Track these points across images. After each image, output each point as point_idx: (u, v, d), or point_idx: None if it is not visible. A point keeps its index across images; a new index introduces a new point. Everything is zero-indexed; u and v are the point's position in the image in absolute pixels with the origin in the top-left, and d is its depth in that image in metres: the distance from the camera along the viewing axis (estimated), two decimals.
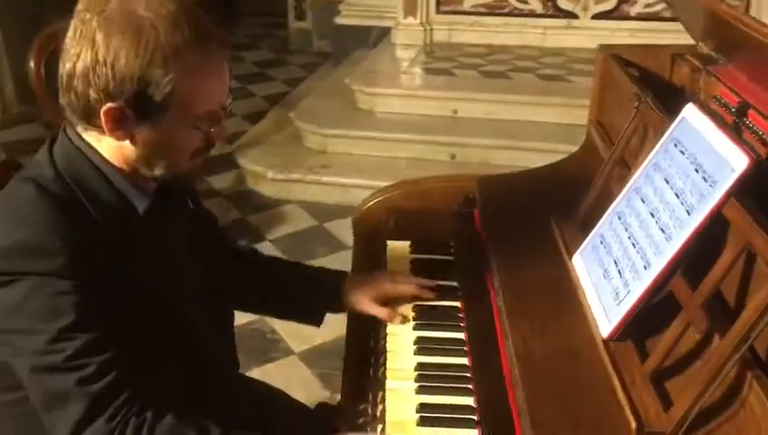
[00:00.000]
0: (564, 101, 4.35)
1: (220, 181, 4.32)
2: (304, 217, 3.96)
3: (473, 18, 5.23)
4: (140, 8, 1.10)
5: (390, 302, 1.52)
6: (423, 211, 1.86)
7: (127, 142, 1.16)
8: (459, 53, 5.07)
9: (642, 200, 1.27)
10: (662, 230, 1.17)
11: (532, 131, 4.24)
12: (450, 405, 1.27)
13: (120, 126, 1.13)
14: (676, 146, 1.24)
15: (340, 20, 5.85)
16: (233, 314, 1.51)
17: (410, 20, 5.23)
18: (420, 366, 1.35)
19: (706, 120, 1.21)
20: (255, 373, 2.62)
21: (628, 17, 5.04)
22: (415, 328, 1.46)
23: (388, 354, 1.40)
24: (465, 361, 1.37)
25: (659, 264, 1.14)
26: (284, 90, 5.75)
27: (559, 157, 4.16)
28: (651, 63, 1.75)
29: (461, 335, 1.44)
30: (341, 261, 3.62)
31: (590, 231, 1.44)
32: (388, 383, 1.32)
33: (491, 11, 5.18)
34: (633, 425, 1.03)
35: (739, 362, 0.98)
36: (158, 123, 1.13)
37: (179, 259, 1.29)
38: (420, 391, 1.30)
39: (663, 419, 1.03)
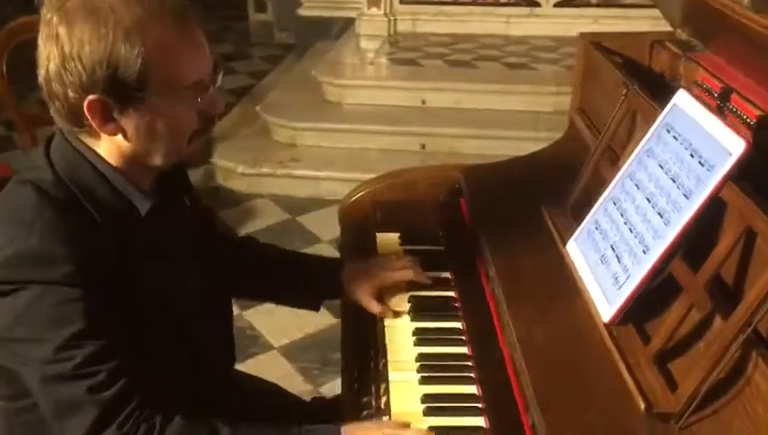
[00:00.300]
0: (530, 88, 4.40)
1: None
2: (277, 212, 3.94)
3: (437, 8, 5.24)
4: None
5: (385, 290, 1.53)
6: (409, 202, 1.86)
7: (120, 137, 1.14)
8: (424, 43, 5.08)
9: (637, 186, 1.29)
10: (660, 215, 1.19)
11: (500, 119, 4.27)
12: (454, 394, 1.28)
13: (106, 118, 1.11)
14: (668, 132, 1.27)
15: (302, 12, 5.81)
16: (231, 310, 1.50)
17: (374, 11, 5.22)
18: (421, 357, 1.36)
19: (699, 106, 1.23)
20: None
21: (589, 4, 5.10)
22: (412, 319, 1.46)
23: (387, 346, 1.40)
24: (464, 350, 1.38)
25: (659, 247, 1.16)
26: (249, 83, 5.69)
27: (527, 144, 4.22)
28: (630, 51, 1.77)
29: (458, 325, 1.45)
30: (316, 253, 3.63)
31: (583, 218, 1.46)
32: (391, 375, 1.33)
33: (454, 0, 5.20)
34: (642, 406, 1.05)
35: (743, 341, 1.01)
36: (142, 106, 1.11)
37: (180, 258, 1.28)
38: (423, 381, 1.30)
39: (670, 399, 1.05)
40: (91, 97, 1.09)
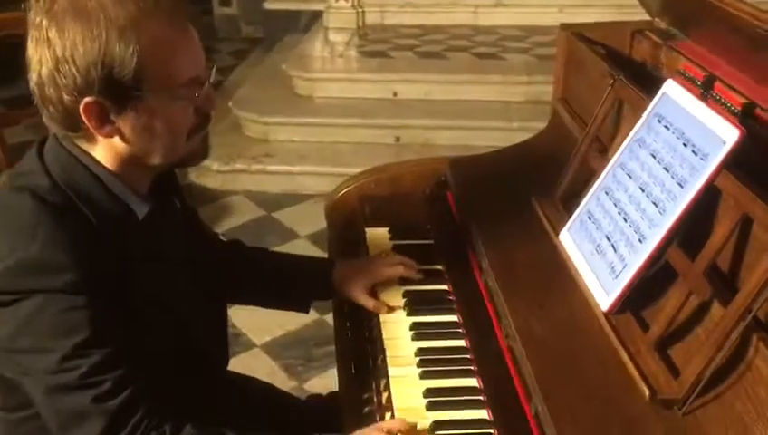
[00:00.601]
0: (501, 78, 4.42)
1: None
2: (251, 208, 3.91)
3: None
4: None
5: (378, 286, 1.53)
6: (397, 196, 1.86)
7: (117, 139, 1.12)
8: (393, 35, 5.07)
9: (629, 175, 1.30)
10: (654, 204, 1.21)
11: (472, 110, 4.29)
12: (455, 388, 1.28)
13: (103, 121, 1.10)
14: (659, 121, 1.28)
15: (269, 5, 5.76)
16: (226, 312, 1.48)
17: (342, 3, 5.19)
18: (420, 351, 1.36)
19: (689, 96, 1.25)
20: None
21: None
22: (408, 314, 1.47)
23: (385, 342, 1.40)
24: (462, 343, 1.39)
25: (655, 236, 1.17)
26: (217, 79, 5.63)
27: (500, 134, 4.26)
28: (611, 41, 1.79)
29: (454, 318, 1.45)
30: (295, 250, 3.59)
31: (573, 208, 1.47)
32: (391, 371, 1.33)
33: None
34: (647, 393, 1.07)
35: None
36: (140, 105, 1.10)
37: (175, 261, 1.26)
38: (424, 376, 1.31)
39: (673, 385, 1.07)
40: (86, 99, 1.07)
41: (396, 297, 1.51)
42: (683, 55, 1.62)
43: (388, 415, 1.26)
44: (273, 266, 1.57)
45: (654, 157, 1.26)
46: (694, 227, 1.17)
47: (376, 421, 1.25)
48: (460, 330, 1.42)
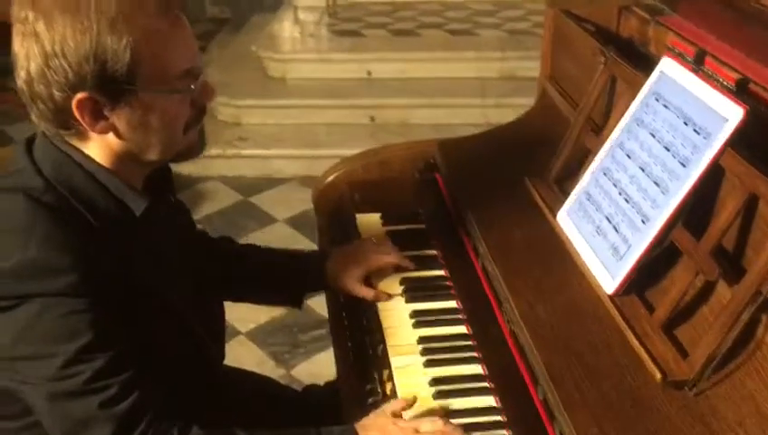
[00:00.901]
0: (475, 55, 4.40)
1: None
2: (228, 193, 3.85)
3: None
4: None
5: (373, 274, 1.50)
6: (387, 181, 1.84)
7: (111, 135, 1.08)
8: (364, 13, 5.01)
9: (628, 156, 1.29)
10: (656, 184, 1.20)
11: (447, 87, 4.26)
12: (461, 376, 1.27)
13: (97, 117, 1.05)
14: (657, 100, 1.27)
15: None
16: (223, 307, 1.45)
17: None
18: (422, 340, 1.35)
19: (688, 73, 1.24)
20: None
21: None
22: (407, 301, 1.45)
23: (385, 331, 1.39)
24: (463, 329, 1.38)
25: (660, 217, 1.17)
26: None
27: (475, 111, 4.24)
28: (598, 17, 1.77)
29: (453, 304, 1.44)
30: (274, 234, 3.59)
31: (569, 189, 1.46)
32: (394, 361, 1.31)
33: None
34: (657, 375, 1.06)
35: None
36: (134, 100, 1.06)
37: (173, 258, 1.23)
38: (428, 364, 1.29)
39: (683, 366, 1.07)
40: (79, 95, 1.02)
41: (392, 284, 1.49)
42: (671, 30, 1.60)
43: (392, 401, 1.24)
44: (265, 263, 1.53)
45: (653, 136, 1.25)
46: (696, 205, 1.16)
47: None
48: (460, 316, 1.41)
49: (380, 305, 1.45)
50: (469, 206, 1.58)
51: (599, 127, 1.50)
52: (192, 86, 1.10)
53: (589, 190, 1.36)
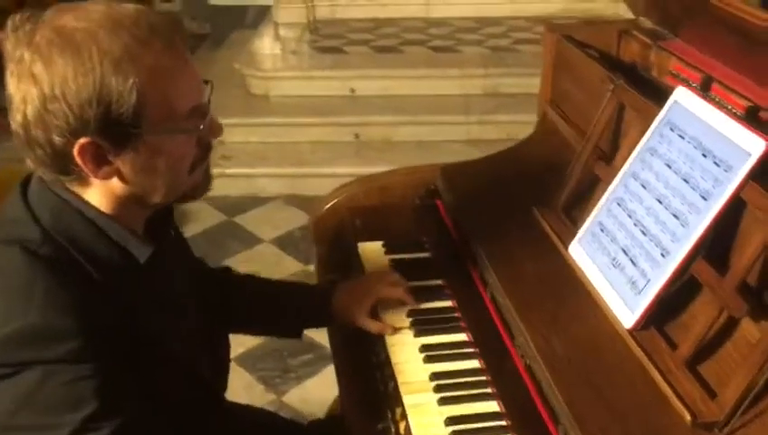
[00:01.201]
0: (458, 72, 4.39)
1: None
2: (212, 214, 3.79)
3: None
4: (71, 22, 0.97)
5: (379, 306, 1.47)
6: (388, 207, 1.80)
7: (115, 180, 1.02)
8: (346, 29, 4.99)
9: (643, 186, 1.27)
10: (675, 216, 1.18)
11: (431, 104, 4.25)
12: (477, 414, 1.24)
13: (100, 162, 1.00)
14: (672, 130, 1.26)
15: (214, 1, 5.59)
16: (228, 343, 1.40)
17: None
18: (435, 376, 1.31)
19: (704, 104, 1.22)
20: None
21: None
22: (416, 335, 1.41)
23: (395, 367, 1.35)
24: (476, 364, 1.34)
25: (680, 251, 1.15)
26: None
27: (460, 128, 4.22)
28: (597, 41, 1.76)
29: (463, 336, 1.41)
30: (260, 255, 3.53)
31: (579, 218, 1.44)
32: (406, 399, 1.27)
33: None
34: (688, 417, 1.04)
35: None
36: (140, 142, 1.00)
37: (179, 298, 1.18)
38: (443, 402, 1.26)
39: (712, 407, 1.04)
40: (81, 141, 0.97)
41: (399, 317, 1.46)
42: (674, 55, 1.60)
43: None
44: (267, 295, 1.49)
45: (670, 167, 1.23)
46: (715, 238, 1.15)
47: None
48: (471, 350, 1.37)
49: (389, 340, 1.41)
50: (475, 234, 1.56)
51: (605, 154, 1.48)
52: (201, 126, 1.05)
53: (602, 221, 1.34)
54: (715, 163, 1.14)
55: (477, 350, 1.37)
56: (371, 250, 1.67)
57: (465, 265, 1.56)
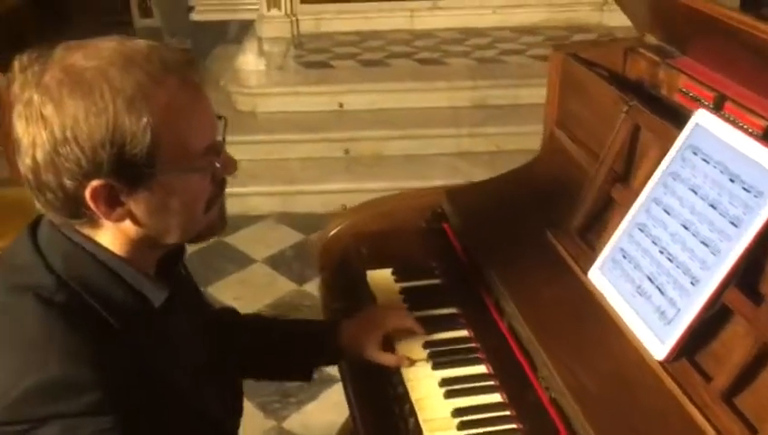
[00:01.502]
0: (446, 84, 4.36)
1: None
2: None
3: (339, 5, 5.11)
4: (80, 61, 0.92)
5: (393, 338, 1.42)
6: (393, 232, 1.76)
7: (127, 222, 0.98)
8: (330, 43, 4.95)
9: (667, 212, 1.24)
10: (704, 244, 1.15)
11: (420, 118, 4.21)
12: None
13: (113, 205, 0.95)
14: (695, 154, 1.23)
15: (196, 16, 5.53)
16: (240, 382, 1.35)
17: (275, 12, 5.02)
18: (457, 412, 1.27)
19: (728, 127, 1.20)
20: None
21: None
22: (434, 368, 1.37)
23: (415, 403, 1.30)
24: (498, 397, 1.30)
25: (711, 279, 1.12)
26: None
27: (450, 141, 4.19)
28: (604, 60, 1.73)
29: (482, 368, 1.37)
30: (253, 275, 3.47)
31: (594, 241, 1.41)
32: None
33: None
34: None
35: None
36: (154, 183, 0.96)
37: (190, 337, 1.13)
38: None
39: None
40: (93, 183, 0.92)
41: (415, 348, 1.41)
42: (684, 73, 1.57)
43: None
44: (275, 336, 1.44)
45: (695, 193, 1.20)
46: (747, 264, 1.12)
47: None
48: (492, 382, 1.33)
49: (406, 373, 1.37)
50: (487, 259, 1.52)
51: (621, 176, 1.45)
52: (217, 163, 1.01)
53: (623, 247, 1.31)
54: (744, 189, 1.11)
55: (498, 383, 1.33)
56: (380, 278, 1.63)
57: (479, 292, 1.52)
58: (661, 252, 1.22)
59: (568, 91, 1.71)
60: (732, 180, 1.14)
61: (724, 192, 1.15)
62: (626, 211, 1.35)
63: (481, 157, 4.05)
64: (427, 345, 1.42)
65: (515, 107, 4.27)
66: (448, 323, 1.48)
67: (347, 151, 4.09)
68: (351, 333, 1.42)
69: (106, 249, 0.99)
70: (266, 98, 4.33)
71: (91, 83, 0.90)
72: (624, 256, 1.30)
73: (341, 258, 1.75)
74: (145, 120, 0.91)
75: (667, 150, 1.30)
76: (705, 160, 1.20)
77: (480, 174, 3.91)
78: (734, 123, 1.41)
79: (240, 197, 3.85)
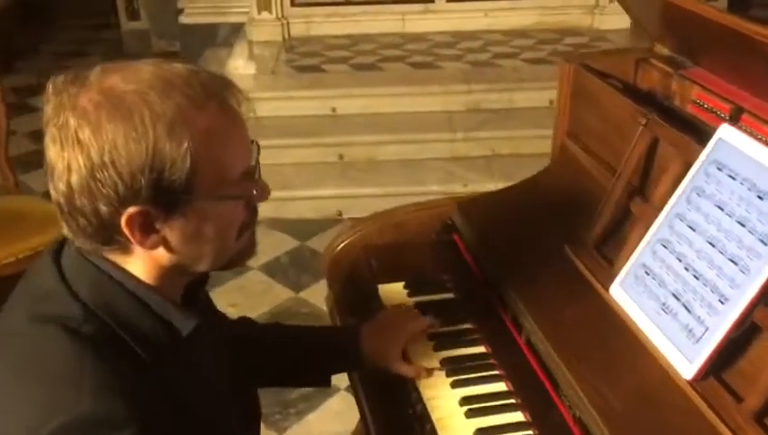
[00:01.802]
0: (440, 88, 4.35)
1: None
2: None
3: (330, 9, 5.08)
4: (119, 84, 0.90)
5: (409, 349, 1.41)
6: (402, 244, 1.74)
7: (160, 249, 0.95)
8: (322, 47, 4.91)
9: (691, 228, 1.23)
10: (733, 262, 1.14)
11: (414, 122, 4.20)
12: None
13: (148, 232, 0.92)
14: (720, 169, 1.21)
15: (185, 19, 5.49)
16: (258, 399, 1.33)
17: (265, 15, 4.98)
18: (480, 432, 1.25)
19: (753, 143, 1.18)
20: None
21: None
22: (453, 386, 1.35)
23: (436, 423, 1.28)
24: (520, 416, 1.28)
25: (741, 297, 1.10)
26: None
27: (445, 145, 4.17)
28: (615, 70, 1.72)
29: (502, 386, 1.35)
30: (249, 283, 3.43)
31: (611, 256, 1.40)
32: None
33: (347, 0, 5.06)
34: None
35: None
36: (190, 208, 0.93)
37: (214, 363, 1.10)
38: None
39: None
40: (130, 210, 0.89)
41: (432, 361, 1.39)
42: (697, 84, 1.56)
43: None
44: (295, 345, 1.42)
45: (721, 209, 1.19)
46: None
47: None
48: (513, 400, 1.31)
49: (425, 392, 1.34)
50: (501, 273, 1.50)
51: (640, 190, 1.43)
52: (254, 190, 0.98)
53: (646, 262, 1.29)
54: None
55: (520, 401, 1.31)
56: (393, 292, 1.60)
57: (494, 307, 1.50)
58: (687, 269, 1.21)
59: (579, 102, 1.69)
60: (760, 197, 1.13)
61: (752, 209, 1.13)
62: (645, 226, 1.34)
63: (476, 161, 4.04)
64: (444, 362, 1.40)
65: (510, 111, 4.26)
66: (465, 339, 1.46)
67: (341, 156, 4.06)
68: (373, 339, 1.40)
69: (134, 277, 0.96)
70: (258, 102, 4.27)
71: (131, 107, 0.88)
72: (647, 273, 1.28)
73: (350, 271, 1.72)
74: (185, 145, 0.89)
75: (688, 165, 1.29)
76: (731, 177, 1.19)
77: (475, 178, 3.94)
78: (752, 135, 1.41)
79: None
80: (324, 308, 3.25)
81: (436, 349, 1.43)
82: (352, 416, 2.45)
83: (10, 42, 6.04)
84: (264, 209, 3.88)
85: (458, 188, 3.80)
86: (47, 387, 0.87)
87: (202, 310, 1.11)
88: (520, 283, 1.45)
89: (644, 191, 1.42)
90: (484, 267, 1.58)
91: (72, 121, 0.88)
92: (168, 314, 0.98)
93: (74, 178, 0.88)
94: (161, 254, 0.95)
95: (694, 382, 1.14)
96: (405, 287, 1.61)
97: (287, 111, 4.24)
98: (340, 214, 3.87)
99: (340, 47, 4.90)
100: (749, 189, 1.15)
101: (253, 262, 3.53)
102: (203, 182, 0.91)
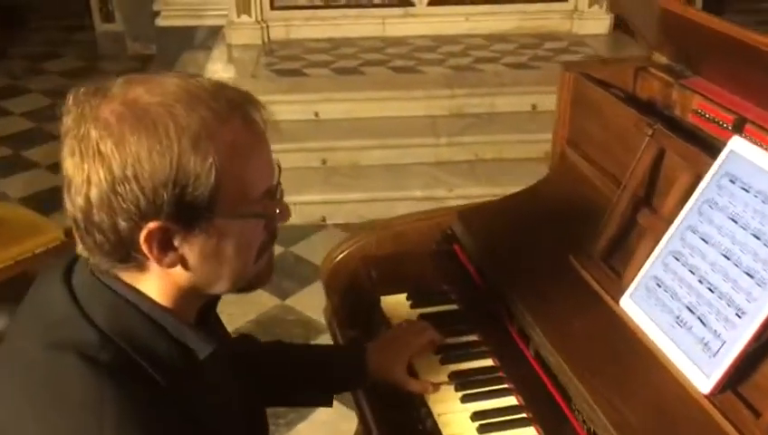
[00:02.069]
0: (423, 93, 4.33)
1: None
2: None
3: (309, 12, 5.04)
4: (143, 96, 0.87)
5: (415, 363, 1.39)
6: (402, 255, 1.72)
7: (178, 268, 0.91)
8: (302, 50, 4.87)
9: (704, 240, 1.22)
10: (749, 275, 1.13)
11: (397, 127, 4.17)
12: None
13: (167, 249, 0.89)
14: (732, 182, 1.21)
15: (161, 22, 5.41)
16: (266, 418, 1.29)
17: (244, 18, 4.93)
18: None
19: (766, 155, 1.18)
20: None
21: (463, 2, 5.10)
22: (463, 401, 1.33)
23: None
24: (533, 431, 1.27)
25: (759, 311, 1.10)
26: None
27: (428, 150, 4.14)
28: (614, 79, 1.71)
29: (513, 400, 1.33)
30: (242, 296, 3.37)
31: (618, 267, 1.39)
32: None
33: (327, 3, 5.02)
34: None
35: None
36: (211, 226, 0.90)
37: (227, 385, 1.07)
38: None
39: None
40: (150, 225, 0.86)
41: (440, 376, 1.38)
42: (698, 94, 1.56)
43: None
44: (296, 364, 1.39)
45: (735, 222, 1.18)
46: None
47: None
48: (525, 415, 1.30)
49: (435, 407, 1.33)
50: (506, 284, 1.48)
51: (646, 201, 1.43)
52: (277, 210, 0.95)
53: (657, 275, 1.28)
54: None
55: (531, 415, 1.29)
56: (395, 304, 1.58)
57: (499, 318, 1.49)
58: (701, 281, 1.20)
59: (580, 111, 1.69)
60: None
61: (767, 222, 1.13)
62: (654, 238, 1.33)
63: (460, 166, 4.03)
64: (452, 376, 1.38)
65: (492, 115, 4.26)
66: (472, 351, 1.44)
67: (324, 161, 4.03)
68: (378, 357, 1.38)
69: (149, 299, 0.93)
70: None
71: (156, 120, 0.85)
72: (659, 285, 1.27)
73: (350, 282, 1.70)
74: (210, 160, 0.86)
75: (698, 176, 1.29)
76: (744, 189, 1.19)
77: (459, 183, 3.93)
78: (757, 146, 1.41)
79: None
80: (311, 315, 3.23)
81: (443, 362, 1.41)
82: (341, 425, 2.43)
83: None
84: None
85: (442, 193, 3.79)
86: (66, 416, 0.83)
87: (214, 331, 1.08)
88: (525, 294, 1.44)
89: (651, 202, 1.42)
90: (488, 278, 1.56)
91: (93, 133, 0.84)
92: (184, 337, 0.94)
93: (94, 192, 0.85)
94: (178, 273, 0.92)
95: (711, 397, 1.13)
96: (407, 299, 1.59)
97: (269, 115, 4.19)
98: (324, 219, 3.83)
99: (321, 51, 4.86)
100: (763, 202, 1.15)
101: None
102: (225, 199, 0.88)
